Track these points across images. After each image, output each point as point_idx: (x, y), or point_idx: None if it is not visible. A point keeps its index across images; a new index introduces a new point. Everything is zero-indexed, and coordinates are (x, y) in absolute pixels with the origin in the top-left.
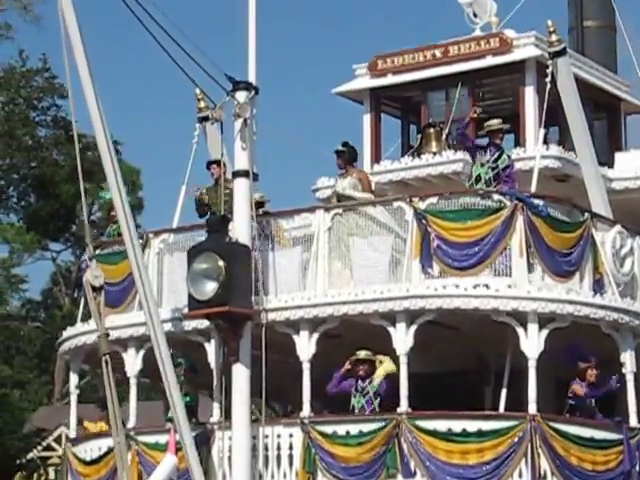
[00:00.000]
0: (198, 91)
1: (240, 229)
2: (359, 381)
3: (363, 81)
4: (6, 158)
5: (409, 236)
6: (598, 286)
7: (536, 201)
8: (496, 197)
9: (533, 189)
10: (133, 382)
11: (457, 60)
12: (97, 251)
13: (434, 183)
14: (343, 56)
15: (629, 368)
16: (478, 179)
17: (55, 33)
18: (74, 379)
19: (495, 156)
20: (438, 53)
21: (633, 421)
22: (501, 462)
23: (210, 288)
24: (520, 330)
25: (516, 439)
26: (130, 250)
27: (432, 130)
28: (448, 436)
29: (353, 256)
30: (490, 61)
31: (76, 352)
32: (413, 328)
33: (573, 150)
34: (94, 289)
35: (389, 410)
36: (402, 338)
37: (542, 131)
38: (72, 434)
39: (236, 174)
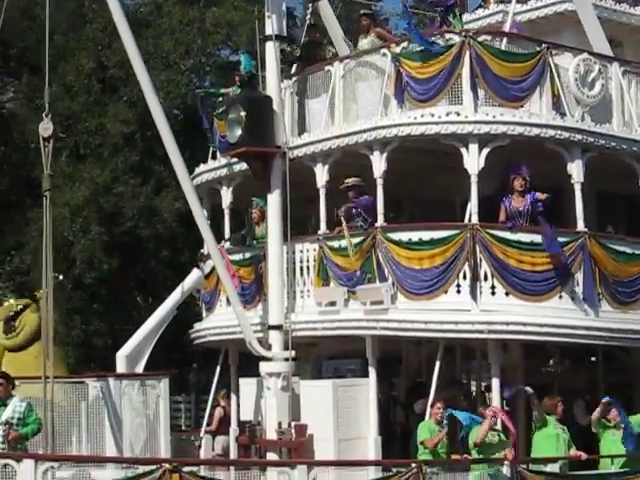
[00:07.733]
0: None
1: (270, 85)
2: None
3: None
4: None
5: (386, 76)
6: (556, 107)
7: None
8: (447, 36)
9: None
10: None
11: None
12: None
13: None
14: None
15: (576, 179)
16: None
17: None
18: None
19: None
20: None
21: (580, 226)
22: (448, 265)
23: (237, 133)
24: (463, 150)
25: (459, 245)
26: None
27: None
28: (410, 245)
29: (359, 98)
30: None
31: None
32: (385, 155)
33: None
34: (44, 139)
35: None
36: (377, 163)
37: None
38: None
39: (264, 39)
